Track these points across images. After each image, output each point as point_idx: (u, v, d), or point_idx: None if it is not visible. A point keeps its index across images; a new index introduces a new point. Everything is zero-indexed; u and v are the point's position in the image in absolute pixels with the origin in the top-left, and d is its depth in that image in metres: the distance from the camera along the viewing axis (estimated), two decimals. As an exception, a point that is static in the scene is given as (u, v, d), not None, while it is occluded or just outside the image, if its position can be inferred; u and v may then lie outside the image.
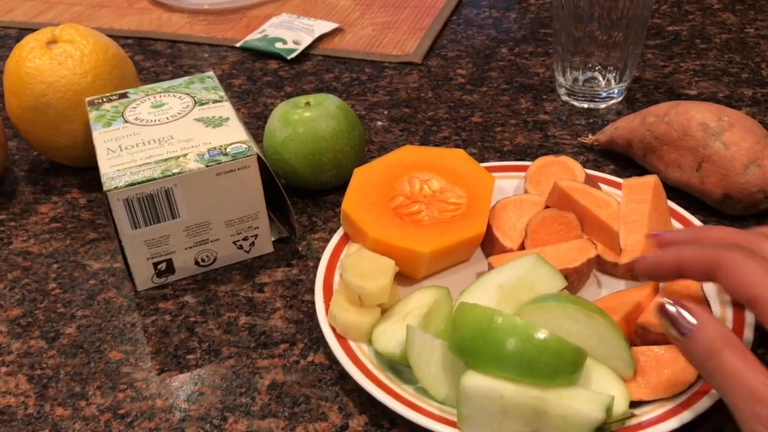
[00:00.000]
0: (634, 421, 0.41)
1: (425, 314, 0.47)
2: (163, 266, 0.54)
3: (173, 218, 0.52)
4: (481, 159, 0.67)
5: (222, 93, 0.59)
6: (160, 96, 0.59)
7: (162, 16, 0.96)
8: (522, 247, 0.53)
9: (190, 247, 0.54)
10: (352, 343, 0.47)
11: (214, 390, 0.47)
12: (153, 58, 0.86)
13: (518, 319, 0.40)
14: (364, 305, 0.47)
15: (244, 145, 0.53)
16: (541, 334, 0.39)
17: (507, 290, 0.45)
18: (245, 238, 0.55)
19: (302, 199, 0.63)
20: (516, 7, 0.94)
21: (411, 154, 0.58)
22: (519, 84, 0.77)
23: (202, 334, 0.51)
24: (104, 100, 0.59)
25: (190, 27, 0.93)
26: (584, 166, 0.60)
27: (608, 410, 0.39)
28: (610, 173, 0.64)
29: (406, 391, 0.44)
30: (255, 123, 0.74)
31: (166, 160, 0.52)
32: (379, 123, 0.72)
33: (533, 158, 0.66)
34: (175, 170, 0.51)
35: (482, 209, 0.54)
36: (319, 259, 0.57)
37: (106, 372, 0.49)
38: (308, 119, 0.60)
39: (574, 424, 0.39)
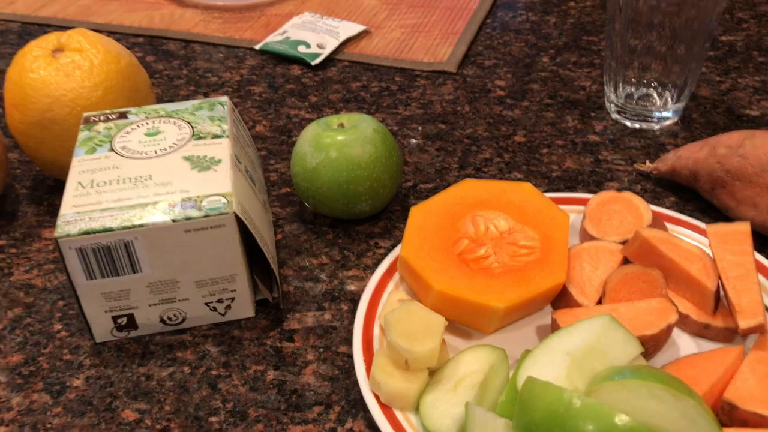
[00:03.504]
0: None
1: (481, 384, 0.41)
2: (123, 321, 0.48)
3: (134, 273, 0.46)
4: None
5: (226, 127, 0.52)
6: (160, 122, 0.53)
7: (175, 11, 0.89)
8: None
9: (155, 304, 0.48)
10: (397, 412, 0.42)
11: (241, 462, 0.42)
12: (166, 60, 0.80)
13: (600, 404, 0.35)
14: (410, 369, 0.42)
15: (223, 200, 0.46)
16: (630, 424, 0.34)
17: (578, 358, 0.40)
18: (220, 301, 0.49)
19: (332, 229, 0.57)
20: (554, 10, 0.87)
21: (472, 188, 0.52)
22: (564, 99, 0.71)
23: (225, 391, 0.46)
24: (101, 118, 0.53)
25: (204, 25, 0.86)
26: (641, 197, 0.54)
27: None
28: (670, 206, 0.58)
29: (462, 474, 0.39)
30: (278, 138, 0.68)
31: (132, 207, 0.46)
32: (414, 140, 0.67)
33: (585, 185, 0.60)
34: (137, 222, 0.45)
35: (560, 253, 0.48)
36: (353, 302, 0.51)
37: (119, 436, 0.44)
38: (342, 144, 0.54)
39: None
